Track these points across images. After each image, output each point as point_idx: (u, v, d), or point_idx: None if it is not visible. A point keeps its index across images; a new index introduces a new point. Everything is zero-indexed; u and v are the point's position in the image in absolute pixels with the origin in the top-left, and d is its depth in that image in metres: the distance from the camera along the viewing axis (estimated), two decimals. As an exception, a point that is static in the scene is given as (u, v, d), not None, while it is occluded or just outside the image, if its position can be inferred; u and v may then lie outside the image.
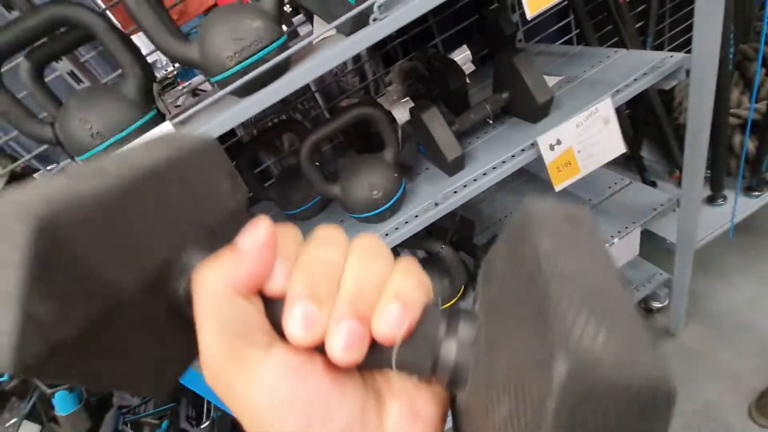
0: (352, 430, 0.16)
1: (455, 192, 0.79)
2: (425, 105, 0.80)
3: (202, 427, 1.46)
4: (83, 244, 0.14)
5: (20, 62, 0.62)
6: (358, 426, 0.16)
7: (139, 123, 0.61)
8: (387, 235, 0.79)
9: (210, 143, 0.21)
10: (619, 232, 1.06)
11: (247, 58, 0.55)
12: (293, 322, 0.16)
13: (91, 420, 1.05)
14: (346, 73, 1.32)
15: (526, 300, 0.14)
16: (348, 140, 1.17)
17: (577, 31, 1.27)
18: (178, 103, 1.10)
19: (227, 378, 0.16)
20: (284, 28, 0.73)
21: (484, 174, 0.79)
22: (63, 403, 1.00)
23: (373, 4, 0.53)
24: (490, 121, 0.88)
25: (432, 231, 1.20)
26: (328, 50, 0.57)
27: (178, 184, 0.18)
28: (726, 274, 1.44)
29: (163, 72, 1.54)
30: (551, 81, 0.91)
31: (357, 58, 1.32)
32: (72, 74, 1.05)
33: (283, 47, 0.57)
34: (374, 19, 0.54)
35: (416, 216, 0.79)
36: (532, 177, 1.41)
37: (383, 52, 1.33)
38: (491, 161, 0.80)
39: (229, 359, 0.15)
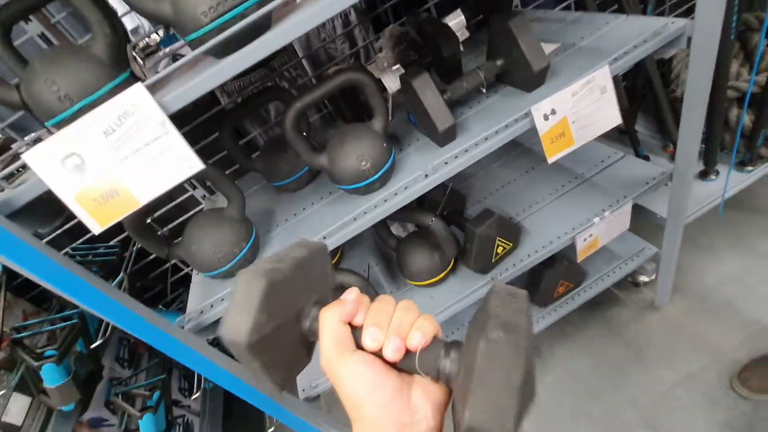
0: (394, 397, 0.30)
1: (446, 163, 0.76)
2: (416, 71, 0.76)
3: (194, 397, 1.48)
4: (278, 293, 0.31)
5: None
6: (398, 395, 0.31)
7: (110, 85, 0.57)
8: (375, 207, 0.77)
9: (323, 246, 0.39)
10: (610, 205, 1.05)
11: (223, 14, 0.51)
12: (368, 337, 0.32)
13: (82, 392, 1.05)
14: (335, 39, 1.26)
15: (474, 347, 0.26)
16: (337, 110, 1.13)
17: (576, -3, 1.22)
18: (158, 70, 1.05)
19: (334, 368, 0.32)
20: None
21: (476, 145, 0.76)
22: (51, 376, 0.99)
23: (359, -44, 0.49)
24: (484, 90, 0.85)
25: (423, 204, 1.18)
26: (312, 6, 0.53)
27: (309, 268, 0.36)
28: (714, 249, 1.45)
29: (146, 40, 1.47)
30: (548, 48, 0.87)
31: (346, 23, 1.27)
32: (43, 36, 0.99)
33: (263, 2, 0.53)
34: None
35: (406, 188, 0.77)
36: (526, 150, 1.39)
37: (373, 15, 1.28)
38: (483, 131, 0.77)
39: (336, 356, 0.32)
